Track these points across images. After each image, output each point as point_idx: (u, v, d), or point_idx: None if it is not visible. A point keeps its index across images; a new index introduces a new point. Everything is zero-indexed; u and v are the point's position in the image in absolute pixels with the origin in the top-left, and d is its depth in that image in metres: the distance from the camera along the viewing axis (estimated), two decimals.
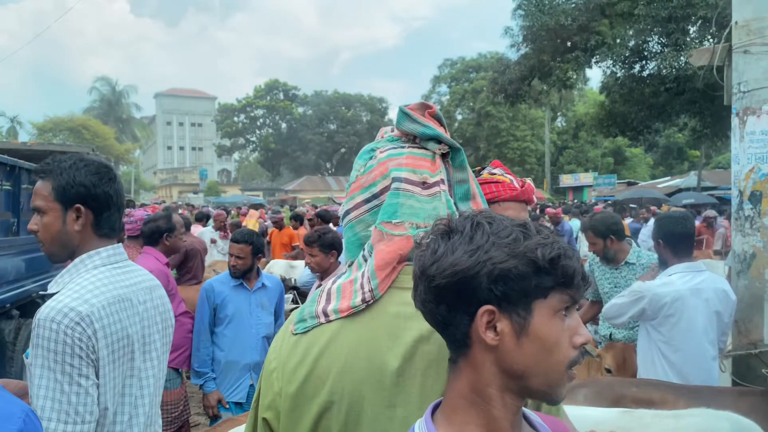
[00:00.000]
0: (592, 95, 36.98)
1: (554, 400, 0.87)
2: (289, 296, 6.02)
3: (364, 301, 1.04)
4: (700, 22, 13.11)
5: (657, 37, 14.38)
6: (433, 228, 0.90)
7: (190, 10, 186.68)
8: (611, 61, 15.08)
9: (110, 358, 1.50)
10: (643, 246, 7.93)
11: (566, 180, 36.09)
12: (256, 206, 17.83)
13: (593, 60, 15.21)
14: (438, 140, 1.13)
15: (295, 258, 8.67)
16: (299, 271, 7.35)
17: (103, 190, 1.61)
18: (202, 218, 11.23)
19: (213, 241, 9.39)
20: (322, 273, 3.55)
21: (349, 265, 1.14)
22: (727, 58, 3.58)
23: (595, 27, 14.10)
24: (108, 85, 59.41)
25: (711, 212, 12.04)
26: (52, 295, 1.52)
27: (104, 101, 58.52)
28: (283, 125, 55.64)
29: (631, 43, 14.78)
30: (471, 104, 40.54)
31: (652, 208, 14.95)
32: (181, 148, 74.02)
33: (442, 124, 1.16)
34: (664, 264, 3.12)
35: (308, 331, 1.07)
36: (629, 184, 32.27)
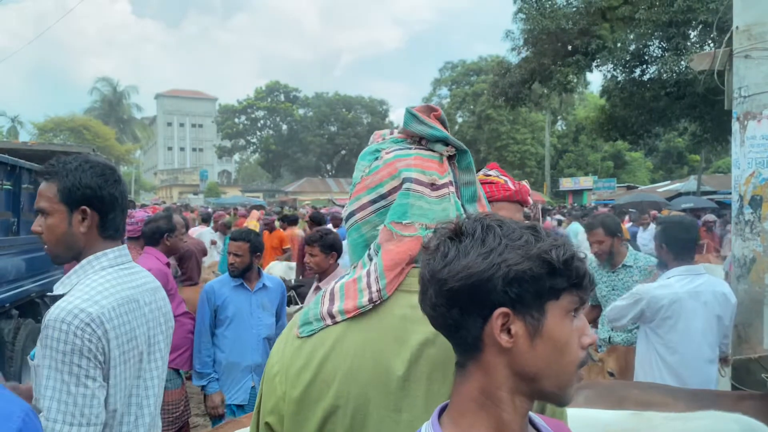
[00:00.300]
0: (592, 99, 37.00)
1: (564, 401, 0.87)
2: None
3: (371, 301, 1.03)
4: (701, 26, 13.12)
5: (658, 41, 14.39)
6: (438, 231, 0.90)
7: (191, 11, 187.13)
8: (612, 65, 15.09)
9: (121, 359, 1.50)
10: (643, 250, 7.93)
11: (566, 183, 36.06)
12: (257, 207, 17.84)
13: (594, 64, 15.20)
14: (445, 142, 1.13)
15: (288, 260, 8.63)
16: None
17: (108, 192, 1.61)
18: (209, 219, 11.29)
19: (213, 243, 9.39)
20: (321, 274, 3.57)
21: (353, 266, 1.13)
22: (728, 62, 3.59)
23: (596, 31, 14.10)
24: (109, 85, 59.39)
25: (710, 217, 12.03)
26: (57, 296, 1.52)
27: (105, 102, 58.47)
28: (284, 127, 55.61)
29: (632, 47, 14.78)
30: (471, 107, 40.54)
31: (653, 212, 14.94)
32: (182, 149, 73.99)
33: (445, 127, 1.16)
34: (663, 266, 3.13)
35: (314, 334, 1.06)
36: (629, 188, 32.27)
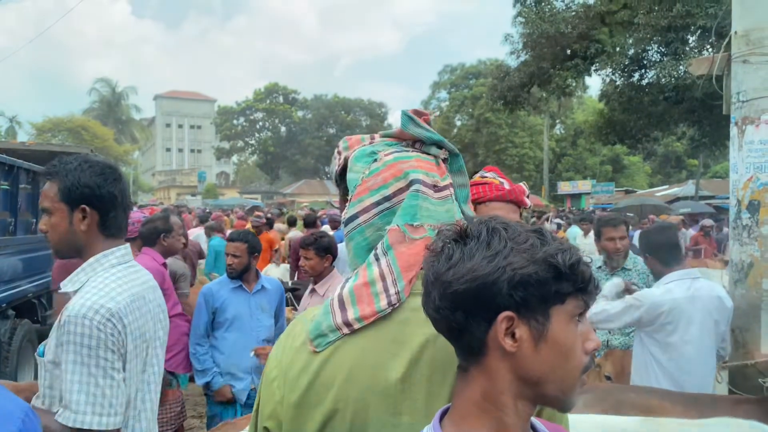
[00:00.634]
0: (591, 103, 37.03)
1: (567, 406, 0.87)
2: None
3: (390, 304, 1.01)
4: (699, 31, 13.16)
5: (656, 46, 14.44)
6: (440, 233, 0.89)
7: (191, 13, 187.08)
8: (610, 70, 15.12)
9: (134, 353, 1.57)
10: None
11: (564, 187, 36.10)
12: (254, 209, 17.85)
13: (593, 68, 15.24)
14: (439, 145, 1.14)
15: (278, 261, 8.66)
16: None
17: (108, 191, 1.65)
18: (206, 220, 11.38)
19: None
20: (316, 277, 3.57)
21: (356, 270, 1.10)
22: (727, 67, 3.60)
23: (594, 35, 14.13)
24: (108, 86, 59.34)
25: (708, 221, 12.04)
26: (63, 294, 1.60)
27: (104, 102, 58.43)
28: (283, 129, 55.63)
29: (631, 52, 14.84)
30: (470, 110, 40.56)
31: (651, 216, 14.96)
32: (180, 150, 73.90)
33: None
34: (657, 276, 3.13)
35: (330, 345, 1.02)
36: (627, 192, 32.35)
